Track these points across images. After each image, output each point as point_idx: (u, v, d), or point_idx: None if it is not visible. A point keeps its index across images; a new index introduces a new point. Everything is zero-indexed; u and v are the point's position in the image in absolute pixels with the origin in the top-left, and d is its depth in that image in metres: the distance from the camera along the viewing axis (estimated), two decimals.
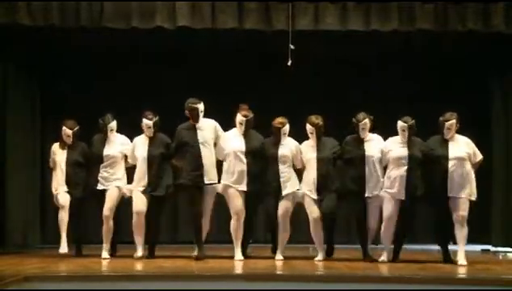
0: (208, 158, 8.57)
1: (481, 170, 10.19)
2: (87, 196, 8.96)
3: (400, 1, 9.74)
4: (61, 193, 8.87)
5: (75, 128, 8.95)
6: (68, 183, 8.91)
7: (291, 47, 9.48)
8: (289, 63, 9.52)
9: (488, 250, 10.57)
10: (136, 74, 11.13)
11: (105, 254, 8.75)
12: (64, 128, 8.93)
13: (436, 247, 9.20)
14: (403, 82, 11.28)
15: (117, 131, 9.00)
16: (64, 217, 8.82)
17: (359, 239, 8.68)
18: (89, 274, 7.43)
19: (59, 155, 8.98)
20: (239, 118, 8.64)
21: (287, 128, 8.65)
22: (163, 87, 11.09)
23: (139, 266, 8.04)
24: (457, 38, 10.16)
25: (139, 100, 10.43)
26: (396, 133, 8.65)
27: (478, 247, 10.67)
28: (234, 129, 8.73)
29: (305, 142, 8.75)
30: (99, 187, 8.83)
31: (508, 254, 10.13)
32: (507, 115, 10.61)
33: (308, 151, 8.66)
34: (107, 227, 8.76)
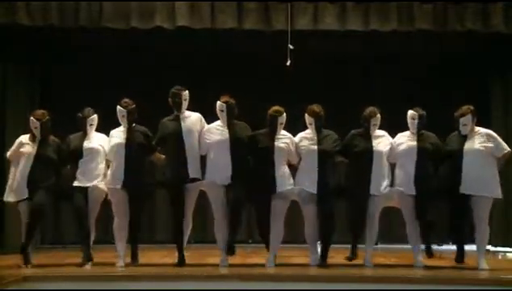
0: (192, 150, 7.90)
1: None
2: (55, 196, 8.10)
3: (399, 1, 9.74)
4: (22, 203, 7.97)
5: (44, 119, 8.03)
6: (32, 180, 7.91)
7: (291, 47, 9.49)
8: (288, 63, 9.52)
9: (488, 250, 10.56)
10: (135, 74, 11.14)
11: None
12: (31, 118, 8.04)
13: (434, 248, 9.19)
14: (403, 82, 11.29)
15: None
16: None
17: (352, 237, 8.27)
18: (88, 274, 7.44)
19: (27, 148, 8.02)
20: (219, 105, 7.98)
21: (284, 117, 8.07)
22: (163, 88, 11.06)
23: (137, 267, 8.02)
24: (457, 38, 10.16)
25: (139, 100, 10.43)
26: (396, 132, 8.45)
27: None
28: (217, 121, 8.08)
29: (302, 134, 8.18)
30: (76, 183, 7.99)
31: (507, 254, 10.14)
32: (507, 115, 10.62)
33: (308, 143, 8.05)
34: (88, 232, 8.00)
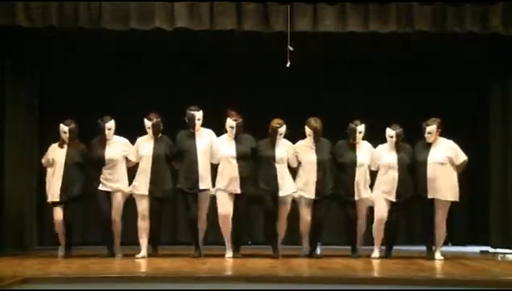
0: (204, 165, 8.88)
1: (480, 171, 10.23)
2: (84, 197, 9.08)
3: (398, 2, 9.74)
4: (56, 208, 8.94)
5: (71, 125, 9.01)
6: (64, 182, 8.91)
7: (290, 48, 9.49)
8: (288, 64, 9.53)
9: (487, 251, 10.56)
10: (135, 76, 11.14)
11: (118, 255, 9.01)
12: (61, 125, 9.03)
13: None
14: (402, 83, 11.29)
15: (117, 132, 9.07)
16: (60, 228, 8.97)
17: (348, 238, 9.24)
18: (88, 275, 7.44)
19: (57, 155, 9.01)
20: (230, 123, 8.87)
21: (283, 129, 8.89)
22: (162, 88, 11.10)
23: (138, 267, 8.05)
24: (456, 38, 10.16)
25: (139, 101, 10.46)
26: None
27: (477, 248, 10.67)
28: (225, 135, 8.96)
29: (302, 142, 9.02)
30: (101, 187, 8.94)
31: (507, 255, 10.12)
32: (506, 115, 10.60)
33: (308, 153, 8.94)
34: (117, 231, 9.01)
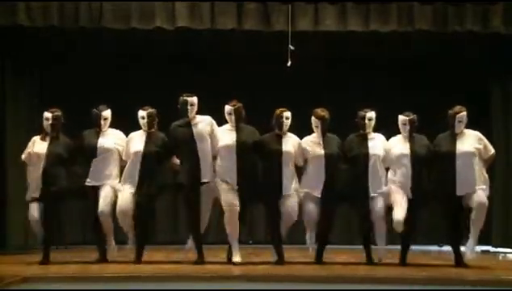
0: (205, 155, 8.13)
1: None
2: (67, 193, 8.25)
3: (399, 1, 9.75)
4: (32, 205, 8.14)
5: (56, 113, 8.24)
6: (45, 178, 8.08)
7: (291, 48, 9.49)
8: (289, 64, 9.53)
9: (488, 250, 10.58)
10: (135, 76, 11.15)
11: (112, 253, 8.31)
12: (44, 113, 8.28)
13: (435, 248, 9.24)
14: (402, 83, 11.30)
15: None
16: (37, 228, 8.21)
17: (363, 241, 8.42)
18: (88, 275, 7.44)
19: (38, 147, 8.19)
20: (227, 109, 8.27)
21: (288, 114, 8.32)
22: (162, 88, 11.11)
23: (138, 267, 8.03)
24: (457, 38, 10.17)
25: (139, 101, 10.42)
26: (396, 133, 8.61)
27: (478, 248, 10.65)
28: (226, 125, 8.35)
29: (309, 138, 8.40)
30: (88, 182, 8.20)
31: (508, 254, 10.14)
32: (507, 115, 10.64)
33: (315, 147, 8.27)
34: (107, 226, 8.23)
